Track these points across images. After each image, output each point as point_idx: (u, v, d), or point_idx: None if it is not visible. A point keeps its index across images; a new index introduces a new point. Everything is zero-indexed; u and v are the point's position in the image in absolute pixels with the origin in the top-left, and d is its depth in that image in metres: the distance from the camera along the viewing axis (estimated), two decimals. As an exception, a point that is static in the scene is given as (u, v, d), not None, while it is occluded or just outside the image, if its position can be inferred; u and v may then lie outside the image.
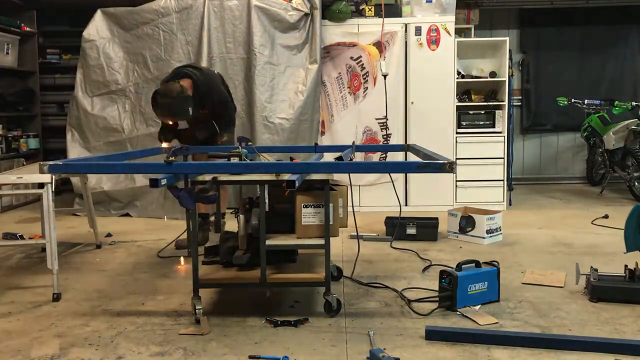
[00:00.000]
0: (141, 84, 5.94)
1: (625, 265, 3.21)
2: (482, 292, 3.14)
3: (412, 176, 5.94)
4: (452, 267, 3.23)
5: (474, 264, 3.23)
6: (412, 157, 3.73)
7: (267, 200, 3.01)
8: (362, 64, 5.92)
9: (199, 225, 4.39)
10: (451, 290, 3.07)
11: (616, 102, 6.69)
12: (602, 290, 3.15)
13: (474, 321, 2.89)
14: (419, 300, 3.19)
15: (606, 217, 5.39)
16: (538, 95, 7.76)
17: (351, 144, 4.01)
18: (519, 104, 7.73)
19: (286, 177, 2.80)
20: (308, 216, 3.00)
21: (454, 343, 2.63)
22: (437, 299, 3.13)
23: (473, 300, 3.10)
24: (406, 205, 5.88)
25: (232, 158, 3.17)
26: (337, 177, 3.35)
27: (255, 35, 5.74)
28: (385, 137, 5.95)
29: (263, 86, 5.78)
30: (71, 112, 6.12)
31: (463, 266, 3.17)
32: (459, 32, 6.27)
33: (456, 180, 5.98)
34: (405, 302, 3.17)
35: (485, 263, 3.27)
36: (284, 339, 2.72)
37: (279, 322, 2.88)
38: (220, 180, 3.02)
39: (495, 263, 3.26)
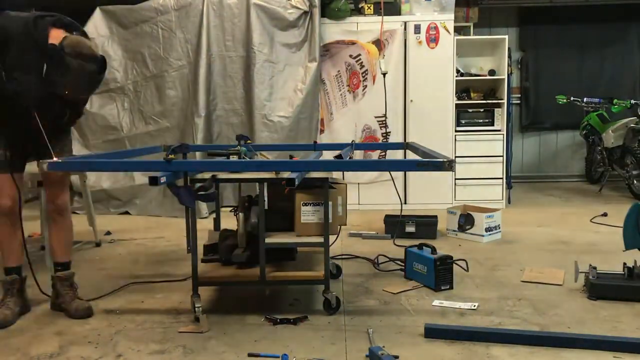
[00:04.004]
0: (140, 82, 5.94)
1: (624, 263, 3.21)
2: (422, 274, 3.45)
3: (411, 174, 5.94)
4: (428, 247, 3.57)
5: (430, 249, 3.53)
6: (411, 155, 3.74)
7: (266, 199, 3.01)
8: (362, 62, 5.92)
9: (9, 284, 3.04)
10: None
11: (615, 100, 6.69)
12: (600, 288, 3.16)
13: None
14: (385, 270, 3.68)
15: (605, 215, 5.40)
16: (537, 94, 7.77)
17: (350, 142, 4.01)
18: (518, 102, 7.74)
19: (286, 175, 2.80)
20: (307, 214, 3.00)
21: (453, 341, 2.63)
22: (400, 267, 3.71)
23: (417, 277, 3.50)
24: (405, 203, 5.88)
25: (231, 156, 3.18)
26: (336, 175, 3.36)
27: (255, 33, 5.74)
28: (384, 135, 5.95)
29: (262, 84, 5.78)
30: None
31: (424, 247, 3.57)
32: (458, 30, 6.27)
33: (455, 179, 5.98)
34: (373, 265, 3.89)
35: (447, 256, 3.44)
36: (283, 337, 2.72)
37: (278, 320, 2.88)
38: (219, 178, 3.02)
39: (448, 256, 3.44)
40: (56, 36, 2.72)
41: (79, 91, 2.83)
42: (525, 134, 7.92)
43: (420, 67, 5.89)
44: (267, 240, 2.96)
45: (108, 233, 4.99)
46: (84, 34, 2.87)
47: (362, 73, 5.93)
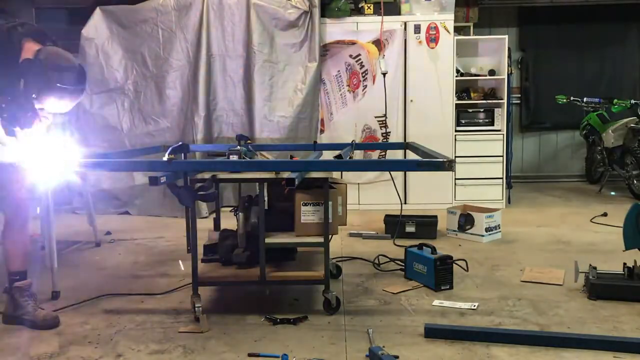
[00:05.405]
0: (140, 82, 5.94)
1: (624, 263, 3.21)
2: (422, 274, 3.45)
3: (411, 174, 5.94)
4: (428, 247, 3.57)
5: (430, 249, 3.53)
6: (411, 155, 3.74)
7: (266, 199, 3.01)
8: (362, 62, 5.91)
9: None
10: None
11: (615, 100, 6.68)
12: (600, 288, 3.16)
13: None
14: (385, 270, 3.79)
15: (605, 215, 5.39)
16: (537, 94, 7.75)
17: (350, 142, 4.01)
18: (518, 102, 7.73)
19: (286, 175, 2.81)
20: (307, 214, 3.00)
21: (453, 341, 2.63)
22: (400, 267, 3.72)
23: (417, 277, 3.49)
24: (405, 203, 5.87)
25: (231, 156, 3.17)
26: (336, 175, 3.36)
27: (255, 34, 5.74)
28: (384, 135, 5.95)
29: (262, 84, 5.79)
30: (70, 110, 6.11)
31: (424, 247, 3.57)
32: (458, 30, 6.27)
33: (455, 178, 5.98)
34: (373, 265, 3.88)
35: (448, 256, 3.45)
36: (283, 336, 2.72)
37: (278, 320, 2.88)
38: (219, 178, 3.02)
39: (448, 256, 3.44)
40: (29, 49, 2.65)
41: (60, 105, 2.73)
42: (525, 134, 7.91)
43: (420, 67, 5.88)
44: (267, 240, 2.96)
45: (108, 233, 4.99)
46: (55, 43, 2.79)
47: (362, 73, 5.93)
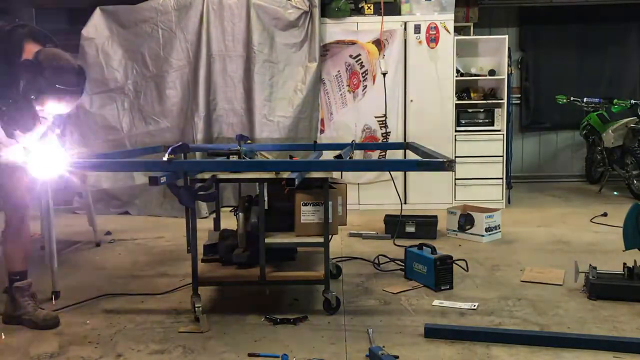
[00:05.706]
0: (140, 82, 5.94)
1: (624, 263, 3.21)
2: (422, 274, 3.45)
3: (411, 174, 5.94)
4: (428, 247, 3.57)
5: (430, 249, 3.53)
6: (411, 155, 3.74)
7: (266, 198, 3.02)
8: (362, 62, 5.91)
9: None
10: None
11: (615, 100, 6.69)
12: (600, 288, 3.16)
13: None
14: (385, 270, 3.79)
15: (605, 215, 5.39)
16: (537, 94, 7.75)
17: (350, 142, 4.01)
18: (518, 102, 7.72)
19: (286, 175, 2.81)
20: (307, 214, 3.00)
21: (453, 341, 2.63)
22: (400, 267, 3.72)
23: (417, 277, 3.49)
24: (405, 203, 5.87)
25: (231, 156, 3.17)
26: (336, 175, 3.36)
27: (255, 34, 5.74)
28: (384, 135, 5.95)
29: (262, 84, 5.79)
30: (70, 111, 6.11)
31: (424, 247, 3.57)
32: (458, 30, 6.27)
33: (455, 179, 5.98)
34: (373, 265, 3.88)
35: (448, 256, 3.45)
36: (283, 337, 2.72)
37: (278, 320, 2.88)
38: (219, 178, 3.02)
39: (448, 256, 3.44)
40: (30, 50, 2.64)
41: (59, 106, 2.70)
42: (525, 134, 7.90)
43: (420, 67, 5.88)
44: (267, 240, 2.96)
45: (108, 233, 4.99)
46: (56, 44, 2.77)
47: (362, 73, 5.93)
